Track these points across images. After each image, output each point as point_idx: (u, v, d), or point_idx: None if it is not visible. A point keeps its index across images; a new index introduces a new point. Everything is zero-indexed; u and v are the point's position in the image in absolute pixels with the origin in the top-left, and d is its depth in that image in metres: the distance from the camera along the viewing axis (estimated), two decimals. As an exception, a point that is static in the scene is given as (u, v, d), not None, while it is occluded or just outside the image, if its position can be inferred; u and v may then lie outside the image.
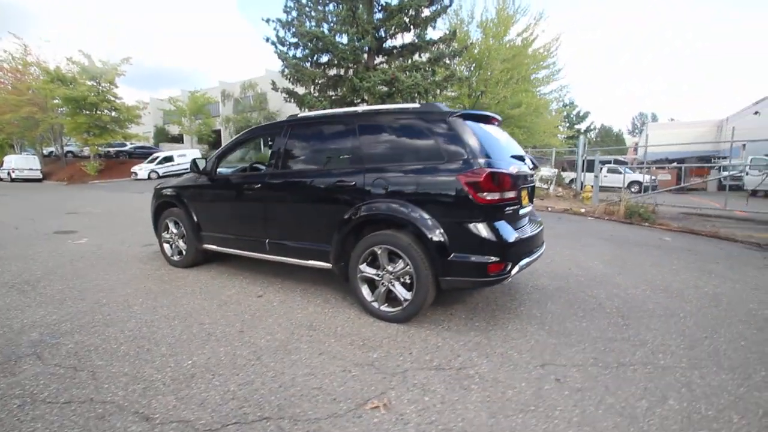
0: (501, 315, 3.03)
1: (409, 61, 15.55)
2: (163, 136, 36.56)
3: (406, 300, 2.77)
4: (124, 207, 10.31)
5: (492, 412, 1.86)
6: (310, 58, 15.54)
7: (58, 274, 4.02)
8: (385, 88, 14.75)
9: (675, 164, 16.32)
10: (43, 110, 22.90)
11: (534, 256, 2.98)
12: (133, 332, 2.67)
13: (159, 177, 21.68)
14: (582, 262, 4.69)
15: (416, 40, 15.38)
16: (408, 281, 2.78)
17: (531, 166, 3.28)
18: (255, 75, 29.77)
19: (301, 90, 15.95)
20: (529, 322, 2.91)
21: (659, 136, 19.11)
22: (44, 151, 28.47)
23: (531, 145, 19.37)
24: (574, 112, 42.01)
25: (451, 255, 2.60)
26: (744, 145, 15.07)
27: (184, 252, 4.24)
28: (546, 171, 14.76)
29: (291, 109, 19.86)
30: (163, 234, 4.43)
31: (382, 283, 2.87)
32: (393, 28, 14.80)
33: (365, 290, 2.97)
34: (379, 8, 15.06)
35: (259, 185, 3.55)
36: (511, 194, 2.72)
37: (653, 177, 14.80)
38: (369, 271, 2.93)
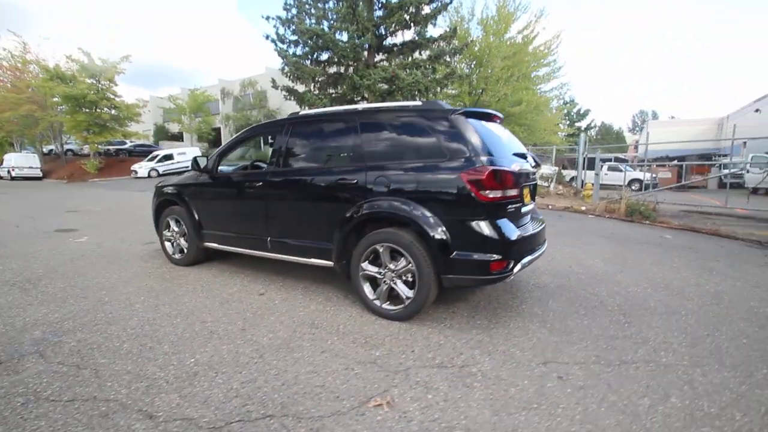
0: (503, 313, 3.03)
1: (410, 59, 15.51)
2: (162, 134, 36.51)
3: (408, 298, 2.77)
4: (124, 205, 10.30)
5: (495, 409, 1.86)
6: (310, 56, 15.50)
7: (60, 272, 4.03)
8: (386, 86, 14.73)
9: (675, 162, 16.32)
10: (43, 108, 22.85)
11: (536, 254, 2.98)
12: (135, 330, 2.68)
13: (159, 175, 21.66)
14: (583, 260, 4.69)
15: (416, 38, 15.34)
16: (410, 279, 2.78)
17: (533, 163, 3.28)
18: (255, 73, 29.72)
19: (301, 88, 15.91)
20: (531, 320, 2.92)
21: (660, 134, 19.07)
22: (44, 150, 28.43)
23: (531, 143, 19.33)
24: (575, 110, 41.92)
25: (454, 253, 2.60)
26: (745, 143, 15.06)
27: (185, 250, 4.24)
28: (546, 169, 14.76)
29: (291, 107, 19.82)
30: (164, 232, 4.42)
31: (384, 281, 2.87)
32: (393, 25, 14.76)
33: (367, 288, 2.97)
34: (380, 5, 15.01)
35: (261, 183, 3.55)
36: (513, 192, 2.72)
37: (654, 175, 14.78)
38: (371, 269, 2.93)
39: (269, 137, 3.82)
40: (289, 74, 15.33)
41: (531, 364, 2.28)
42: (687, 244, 5.79)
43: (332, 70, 15.85)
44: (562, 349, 2.47)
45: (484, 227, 2.57)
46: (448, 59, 15.75)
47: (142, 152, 27.71)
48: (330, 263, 3.16)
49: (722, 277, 4.11)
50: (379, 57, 16.13)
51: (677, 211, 9.05)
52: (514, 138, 3.38)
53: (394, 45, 15.80)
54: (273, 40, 15.46)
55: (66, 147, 27.32)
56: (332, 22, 15.08)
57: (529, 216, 3.17)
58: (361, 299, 3.04)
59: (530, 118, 19.68)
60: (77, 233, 6.16)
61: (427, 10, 14.93)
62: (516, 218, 2.84)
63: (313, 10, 15.31)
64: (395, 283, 2.83)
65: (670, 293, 3.57)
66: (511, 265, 2.63)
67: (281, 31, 15.34)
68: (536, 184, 3.46)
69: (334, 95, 15.96)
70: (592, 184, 11.16)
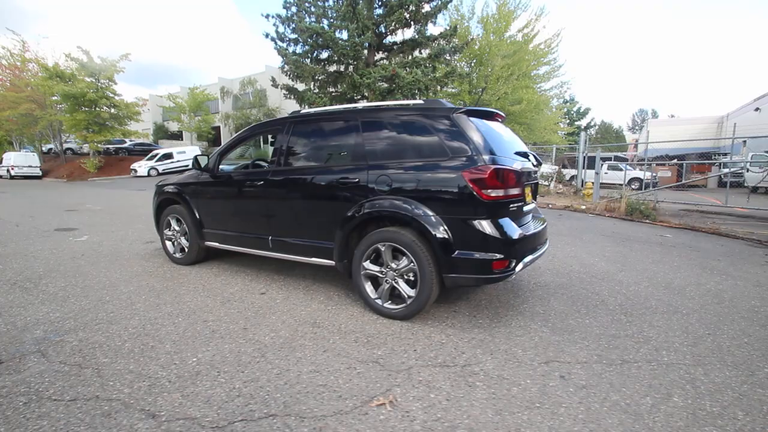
0: (504, 312, 3.03)
1: (410, 58, 15.48)
2: (162, 133, 36.48)
3: (409, 297, 2.77)
4: (124, 204, 10.29)
5: (497, 409, 1.86)
6: (310, 55, 15.45)
7: (60, 271, 4.02)
8: (386, 85, 14.72)
9: (675, 161, 16.32)
10: (42, 107, 22.81)
11: (538, 254, 2.98)
12: (136, 329, 2.67)
13: (159, 174, 21.66)
14: (584, 259, 4.69)
15: (416, 36, 15.30)
16: (412, 278, 2.78)
17: (534, 162, 3.28)
18: (254, 71, 29.69)
19: (301, 86, 15.88)
20: (533, 319, 2.92)
21: (659, 133, 19.08)
22: (43, 148, 28.40)
23: (531, 141, 19.34)
24: (575, 109, 41.90)
25: (455, 252, 2.60)
26: (745, 142, 15.06)
27: (186, 249, 4.23)
28: (546, 168, 14.75)
29: (290, 106, 19.78)
30: (165, 231, 4.42)
31: (386, 281, 2.87)
32: (393, 23, 14.72)
33: (369, 287, 2.97)
34: (380, 4, 14.98)
35: (262, 182, 3.54)
36: (515, 191, 2.71)
37: (654, 174, 14.78)
38: (372, 268, 2.93)
39: (270, 136, 3.81)
40: (289, 73, 15.30)
41: (533, 363, 2.28)
42: (687, 243, 5.80)
43: (332, 68, 15.82)
44: (563, 348, 2.47)
45: (486, 226, 2.57)
46: (448, 58, 15.72)
47: (141, 151, 27.70)
48: (331, 262, 3.15)
49: (723, 276, 4.11)
50: (379, 55, 16.09)
51: (677, 210, 9.06)
52: (516, 137, 3.38)
53: (394, 43, 15.77)
54: (273, 39, 15.42)
55: (65, 146, 27.28)
56: (332, 20, 15.04)
57: (530, 215, 3.16)
58: (362, 298, 3.04)
59: (530, 116, 19.68)
60: (77, 232, 6.16)
61: (427, 8, 14.89)
62: (518, 217, 2.84)
63: (313, 9, 15.27)
64: (397, 283, 2.83)
65: (671, 292, 3.57)
66: (513, 265, 2.63)
67: (281, 29, 15.31)
68: (538, 183, 3.46)
69: (334, 94, 15.93)
70: (593, 183, 11.16)
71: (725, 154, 18.00)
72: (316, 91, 15.81)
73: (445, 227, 2.63)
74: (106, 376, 2.10)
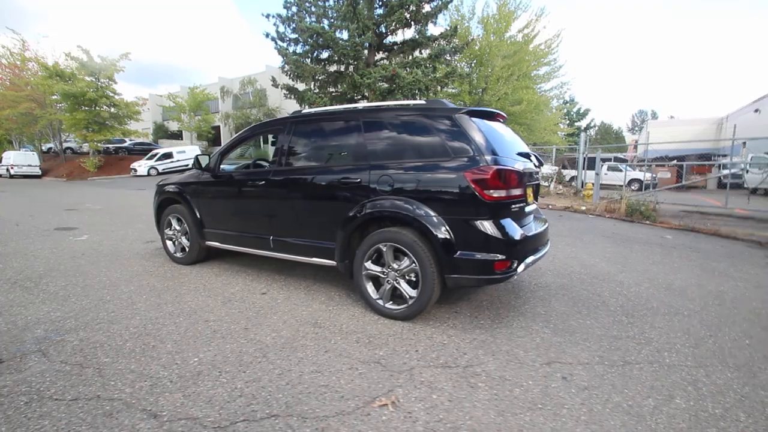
0: (506, 313, 3.03)
1: (410, 58, 15.47)
2: (162, 133, 36.44)
3: (411, 298, 2.77)
4: (124, 204, 10.28)
5: (500, 410, 1.86)
6: (310, 54, 15.44)
7: (60, 270, 4.01)
8: (386, 85, 14.71)
9: (675, 162, 16.33)
10: (42, 106, 22.77)
11: (539, 254, 2.97)
12: (138, 329, 2.67)
13: (158, 173, 21.64)
14: (584, 260, 4.69)
15: (417, 37, 15.30)
16: (413, 279, 2.78)
17: (536, 163, 3.28)
18: (255, 71, 29.68)
19: (301, 86, 15.87)
20: (534, 320, 2.91)
21: (659, 134, 19.10)
22: (43, 148, 28.35)
23: (531, 142, 19.33)
24: (575, 110, 41.93)
25: (457, 252, 2.60)
26: (744, 143, 15.08)
27: (186, 249, 4.23)
28: (546, 168, 14.75)
29: (290, 106, 19.77)
30: (165, 231, 4.41)
31: (388, 281, 2.87)
32: (394, 24, 14.71)
33: (370, 288, 2.97)
34: (380, 4, 14.97)
35: (263, 182, 3.54)
36: (517, 191, 2.71)
37: (653, 175, 14.79)
38: (374, 268, 2.93)
39: (271, 136, 3.81)
40: (289, 73, 15.28)
41: (535, 364, 2.28)
42: (688, 245, 5.80)
43: (332, 68, 15.81)
44: (565, 349, 2.47)
45: (488, 227, 2.57)
46: (448, 58, 15.72)
47: (141, 150, 27.69)
48: (333, 262, 3.15)
49: (724, 278, 4.12)
50: (379, 55, 16.09)
51: (677, 211, 9.06)
52: (518, 137, 3.38)
53: (395, 43, 15.76)
54: (273, 38, 15.41)
55: (65, 145, 27.26)
56: (333, 20, 15.03)
57: (532, 216, 3.16)
58: (363, 299, 3.04)
59: (530, 117, 19.68)
60: (77, 231, 6.15)
61: (427, 8, 14.89)
62: (520, 218, 2.84)
63: (313, 8, 15.26)
64: (398, 283, 2.83)
65: (671, 293, 3.58)
66: (515, 265, 2.62)
67: (281, 29, 15.30)
68: (539, 183, 3.46)
69: (334, 94, 15.92)
70: (593, 184, 11.17)
71: (725, 156, 18.02)
72: (317, 91, 15.80)
73: (447, 228, 2.63)
74: (107, 376, 2.10)
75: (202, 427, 1.71)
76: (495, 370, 2.21)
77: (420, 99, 13.01)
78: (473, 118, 2.81)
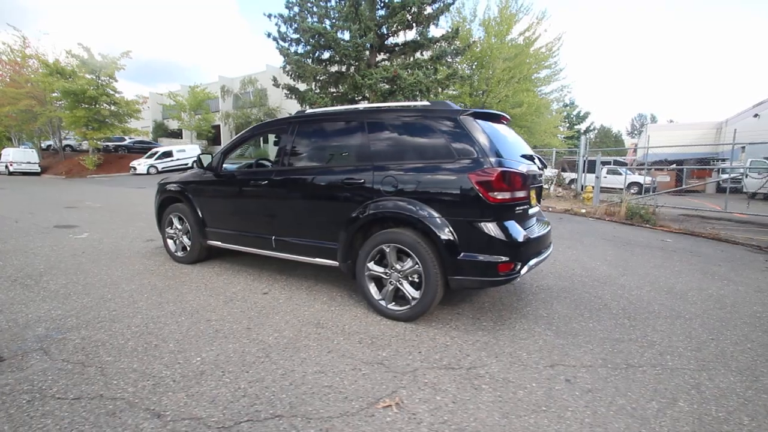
0: (508, 315, 3.03)
1: (411, 59, 15.51)
2: (162, 131, 36.40)
3: (414, 299, 2.77)
4: (124, 202, 10.26)
5: (504, 412, 1.86)
6: (311, 55, 15.46)
7: (61, 268, 4.00)
8: (387, 86, 14.73)
9: (674, 166, 16.37)
10: (42, 103, 22.74)
11: (542, 257, 2.97)
12: (139, 328, 2.66)
13: (158, 172, 21.61)
14: (585, 263, 4.70)
15: (418, 38, 15.34)
16: (416, 280, 2.78)
17: (540, 165, 3.28)
18: (255, 70, 29.67)
19: (302, 86, 15.88)
20: (536, 322, 2.91)
21: (659, 138, 19.16)
22: (42, 145, 28.28)
23: (531, 145, 19.34)
24: (575, 113, 42.06)
25: (461, 254, 2.60)
26: (743, 148, 15.13)
27: (188, 248, 4.22)
28: (546, 171, 14.76)
29: (291, 106, 19.76)
30: (167, 229, 4.40)
31: (390, 282, 2.86)
32: (395, 25, 14.74)
33: (373, 288, 2.97)
34: (382, 5, 15.00)
35: (266, 182, 3.53)
36: (521, 194, 2.72)
37: (653, 179, 14.83)
38: (377, 269, 2.92)
39: (275, 136, 3.80)
40: (290, 72, 15.30)
41: (538, 366, 2.28)
42: (688, 248, 5.81)
43: (334, 69, 15.83)
44: (568, 351, 2.47)
45: (492, 229, 2.57)
46: (449, 60, 15.76)
47: (141, 149, 27.66)
48: (335, 263, 3.15)
49: (724, 282, 4.12)
50: (380, 57, 16.12)
51: (677, 215, 9.09)
52: (521, 140, 3.38)
53: (396, 45, 15.79)
54: (275, 38, 15.43)
55: (64, 142, 27.21)
56: (334, 20, 15.05)
57: (535, 218, 3.17)
58: (365, 299, 3.03)
59: (531, 120, 19.73)
60: (77, 229, 6.13)
61: (429, 10, 14.92)
62: (523, 220, 2.84)
63: (315, 9, 15.28)
64: (401, 284, 2.83)
65: (673, 297, 3.58)
66: (519, 267, 2.63)
67: (283, 29, 15.32)
68: (542, 186, 3.46)
69: (335, 94, 15.94)
70: (593, 187, 11.19)
71: (724, 160, 18.08)
72: (318, 91, 15.81)
73: (451, 229, 2.63)
74: (109, 375, 2.09)
75: (206, 427, 1.70)
76: (498, 372, 2.21)
77: (421, 100, 13.04)
78: (477, 120, 2.81)
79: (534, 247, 2.82)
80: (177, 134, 35.50)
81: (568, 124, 38.77)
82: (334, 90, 16.06)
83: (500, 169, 2.56)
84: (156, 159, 22.88)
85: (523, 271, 2.66)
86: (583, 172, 12.83)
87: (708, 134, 23.62)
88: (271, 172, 3.60)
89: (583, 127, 43.12)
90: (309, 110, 3.67)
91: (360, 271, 2.99)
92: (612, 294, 3.60)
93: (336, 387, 2.02)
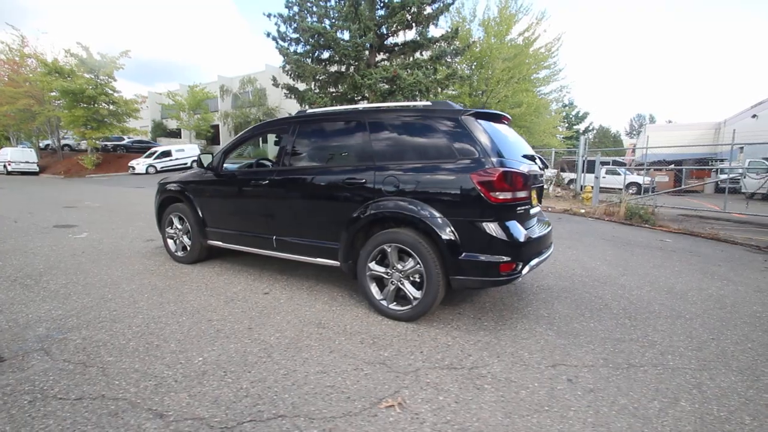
0: (509, 315, 3.04)
1: (411, 59, 15.51)
2: (160, 131, 36.32)
3: (415, 299, 2.77)
4: (123, 201, 10.24)
5: (507, 412, 1.86)
6: (311, 54, 15.46)
7: (61, 268, 3.99)
8: (387, 86, 14.73)
9: (673, 166, 16.41)
10: (40, 102, 22.68)
11: (543, 257, 2.98)
12: (140, 328, 2.65)
13: (157, 172, 21.58)
14: (586, 263, 4.71)
15: (418, 38, 15.34)
16: (418, 280, 2.78)
17: (541, 165, 3.28)
18: (254, 70, 29.63)
19: (302, 86, 15.87)
20: (538, 322, 2.92)
21: (657, 138, 19.23)
22: (41, 144, 28.20)
23: (530, 145, 19.37)
24: (573, 113, 42.12)
25: (462, 254, 2.60)
26: (742, 148, 15.19)
27: (188, 248, 4.21)
28: (546, 171, 14.79)
29: (290, 106, 19.72)
30: (167, 229, 4.40)
31: (392, 282, 2.86)
32: (395, 25, 14.74)
33: (374, 288, 2.96)
34: (382, 5, 15.00)
35: (267, 182, 3.53)
36: (523, 194, 2.72)
37: (652, 179, 14.87)
38: (378, 269, 2.92)
39: (275, 136, 3.80)
40: (290, 72, 15.29)
41: (540, 366, 2.28)
42: (687, 248, 5.83)
43: (333, 68, 15.83)
44: (569, 351, 2.48)
45: (493, 229, 2.57)
46: (449, 60, 15.78)
47: (139, 148, 27.58)
48: (336, 263, 3.14)
49: (724, 282, 4.14)
50: (380, 56, 16.12)
51: (676, 215, 9.11)
52: (522, 140, 3.39)
53: (396, 45, 15.80)
54: (274, 38, 15.42)
55: (63, 142, 27.13)
56: (334, 20, 15.05)
57: (536, 218, 3.17)
58: (367, 299, 3.03)
59: (530, 120, 19.75)
60: (77, 229, 6.11)
61: (428, 10, 14.94)
62: (524, 220, 2.84)
63: (314, 8, 15.27)
64: (403, 284, 2.83)
65: (673, 297, 3.59)
66: (520, 267, 2.63)
67: (282, 28, 15.32)
68: (543, 186, 3.47)
69: (334, 94, 15.93)
70: (592, 187, 11.21)
71: (722, 160, 18.13)
72: (317, 91, 15.81)
73: (452, 229, 2.63)
74: (111, 375, 2.08)
75: (209, 428, 1.70)
76: (500, 371, 2.21)
77: (420, 100, 13.06)
78: (479, 120, 2.81)
79: (535, 247, 2.83)
80: (176, 134, 35.42)
81: (567, 125, 38.81)
82: (334, 90, 16.06)
83: (502, 169, 2.56)
84: (155, 158, 22.84)
85: (524, 271, 2.66)
86: (583, 172, 12.85)
87: (706, 135, 23.70)
88: (271, 171, 3.60)
89: (582, 127, 43.21)
90: (310, 110, 3.66)
91: (361, 271, 2.99)
92: (612, 294, 3.61)
93: (338, 387, 2.02)
